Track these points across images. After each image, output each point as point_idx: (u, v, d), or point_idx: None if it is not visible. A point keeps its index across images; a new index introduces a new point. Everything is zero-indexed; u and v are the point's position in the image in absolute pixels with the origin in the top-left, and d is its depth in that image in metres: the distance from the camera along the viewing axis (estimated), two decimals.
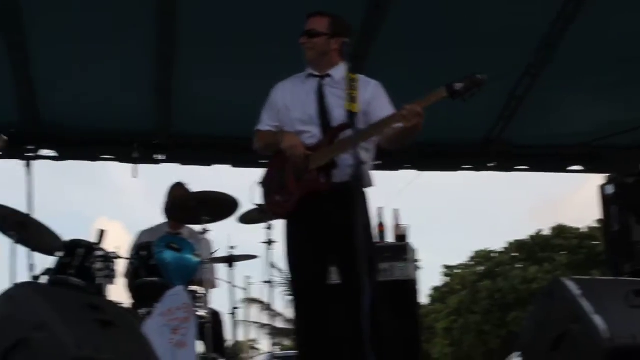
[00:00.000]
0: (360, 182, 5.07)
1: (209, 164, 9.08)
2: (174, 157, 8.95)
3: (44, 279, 6.49)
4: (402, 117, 4.93)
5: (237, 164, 9.07)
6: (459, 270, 42.11)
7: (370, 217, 5.38)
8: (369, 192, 5.35)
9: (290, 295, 5.81)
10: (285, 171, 5.34)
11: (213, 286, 7.71)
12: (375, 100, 5.34)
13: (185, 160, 9.02)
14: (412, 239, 7.79)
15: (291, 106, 5.45)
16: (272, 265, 7.57)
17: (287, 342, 39.05)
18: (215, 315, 6.99)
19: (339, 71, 5.37)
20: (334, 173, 5.21)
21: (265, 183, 5.55)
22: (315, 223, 5.24)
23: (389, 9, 7.35)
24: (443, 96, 4.86)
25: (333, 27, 5.37)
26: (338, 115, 5.21)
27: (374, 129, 5.17)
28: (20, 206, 6.68)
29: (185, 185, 7.69)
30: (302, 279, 5.36)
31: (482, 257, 41.19)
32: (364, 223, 5.02)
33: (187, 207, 6.77)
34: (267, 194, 5.53)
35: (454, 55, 7.70)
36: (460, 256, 56.81)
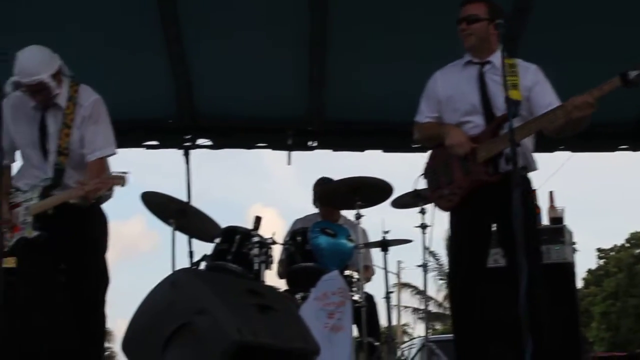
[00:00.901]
0: (525, 169, 5.18)
1: (361, 150, 9.10)
2: (326, 144, 9.02)
3: (202, 265, 6.65)
4: (574, 108, 4.84)
5: (388, 149, 9.07)
6: (613, 253, 41.14)
7: (534, 201, 5.35)
8: (532, 176, 5.37)
9: (447, 279, 5.79)
10: (451, 164, 5.34)
11: (371, 274, 7.77)
12: (536, 85, 5.28)
13: (337, 146, 9.09)
14: (567, 221, 7.65)
15: (453, 96, 5.43)
16: (426, 249, 7.51)
17: (439, 327, 38.97)
18: (369, 300, 7.02)
19: (499, 57, 5.25)
20: (500, 162, 5.18)
21: (430, 176, 5.55)
22: (480, 210, 5.24)
23: None
24: (617, 85, 4.75)
25: (491, 12, 5.32)
26: (501, 103, 5.12)
27: (541, 120, 5.09)
28: (180, 194, 6.84)
29: (330, 179, 7.72)
30: (462, 263, 5.36)
31: (638, 239, 40.10)
32: (527, 208, 5.03)
33: (340, 193, 6.81)
34: (433, 187, 5.54)
35: (610, 31, 7.50)
36: (614, 238, 55.37)
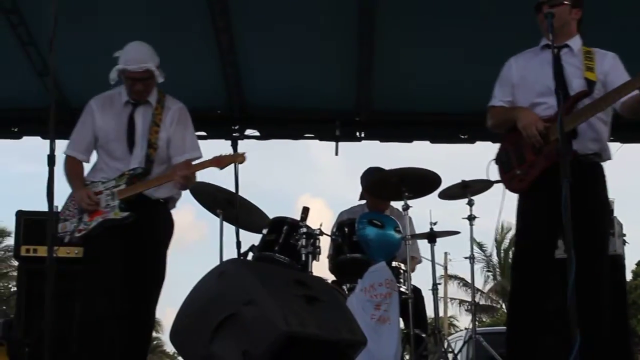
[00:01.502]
0: (599, 156, 5.18)
1: (409, 141, 9.08)
2: (374, 134, 9.02)
3: (250, 256, 6.67)
4: None
5: (435, 139, 9.05)
6: None
7: (607, 191, 5.29)
8: (605, 165, 5.32)
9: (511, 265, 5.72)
10: (523, 145, 5.28)
11: (417, 263, 7.73)
12: (613, 70, 5.24)
13: (384, 137, 9.08)
14: (617, 213, 7.57)
15: (528, 77, 5.40)
16: (474, 241, 7.48)
17: (486, 319, 38.81)
18: (416, 292, 6.99)
19: (576, 42, 5.33)
20: (574, 143, 5.08)
21: (502, 159, 5.50)
22: (551, 196, 5.12)
23: None
24: None
25: None
26: (576, 85, 5.13)
27: (614, 94, 5.00)
28: (228, 185, 6.87)
29: (379, 169, 7.70)
30: (525, 250, 5.34)
31: None
32: (602, 197, 5.13)
33: (388, 184, 6.79)
34: (505, 169, 5.49)
35: None
36: None
